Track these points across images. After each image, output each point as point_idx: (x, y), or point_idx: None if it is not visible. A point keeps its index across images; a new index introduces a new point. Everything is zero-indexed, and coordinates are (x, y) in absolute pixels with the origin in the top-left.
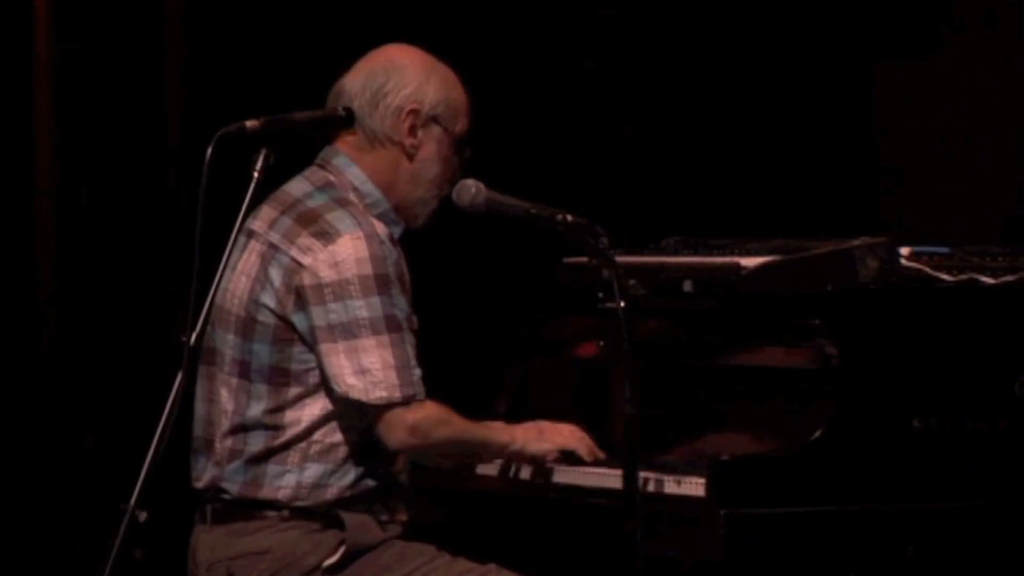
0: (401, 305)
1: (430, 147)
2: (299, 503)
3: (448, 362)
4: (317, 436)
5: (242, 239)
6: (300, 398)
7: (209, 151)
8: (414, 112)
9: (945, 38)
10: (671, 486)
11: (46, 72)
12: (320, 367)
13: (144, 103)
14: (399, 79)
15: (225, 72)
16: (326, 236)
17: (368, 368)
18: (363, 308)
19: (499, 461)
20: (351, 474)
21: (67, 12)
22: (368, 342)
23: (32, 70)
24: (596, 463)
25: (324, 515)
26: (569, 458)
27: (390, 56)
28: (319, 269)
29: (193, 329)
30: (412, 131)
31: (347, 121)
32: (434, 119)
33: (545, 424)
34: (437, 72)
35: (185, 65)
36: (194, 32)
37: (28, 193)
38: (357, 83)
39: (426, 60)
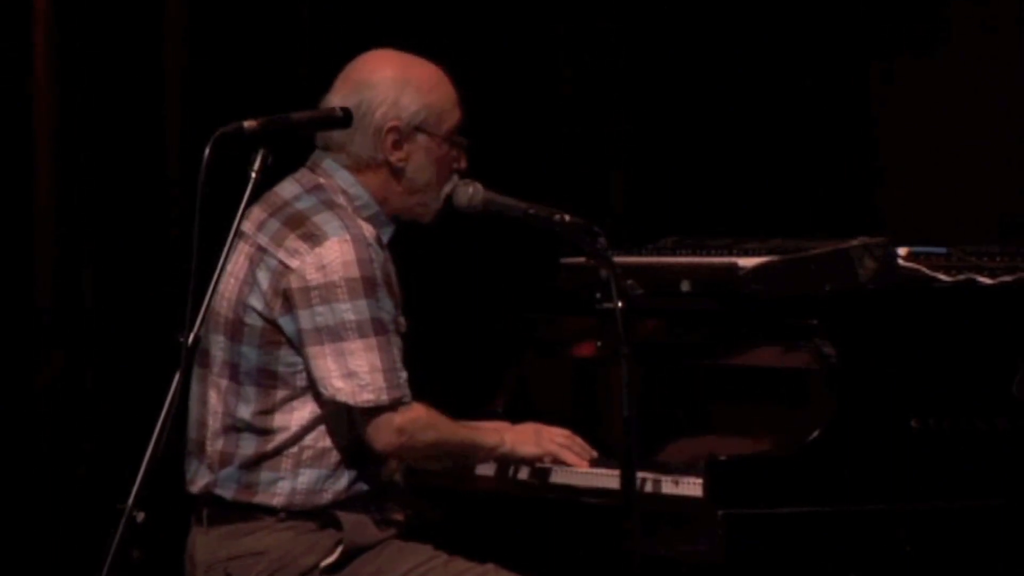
0: (388, 308)
1: (419, 156)
2: (294, 509)
3: (447, 362)
4: (308, 441)
5: (236, 240)
6: (288, 400)
7: (207, 151)
8: (394, 128)
9: (943, 37)
10: (669, 486)
11: (46, 73)
12: (307, 370)
13: (143, 103)
14: (372, 98)
15: (224, 72)
16: (313, 239)
17: (355, 371)
18: (350, 311)
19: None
20: (345, 478)
21: (67, 14)
22: (355, 345)
23: (32, 72)
24: (591, 463)
25: (321, 515)
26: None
27: (361, 73)
28: (306, 272)
29: (191, 330)
30: (396, 146)
31: (345, 121)
32: (417, 128)
33: (541, 427)
34: (412, 79)
35: (184, 65)
36: (193, 32)
37: (28, 193)
38: (334, 105)
39: (399, 68)
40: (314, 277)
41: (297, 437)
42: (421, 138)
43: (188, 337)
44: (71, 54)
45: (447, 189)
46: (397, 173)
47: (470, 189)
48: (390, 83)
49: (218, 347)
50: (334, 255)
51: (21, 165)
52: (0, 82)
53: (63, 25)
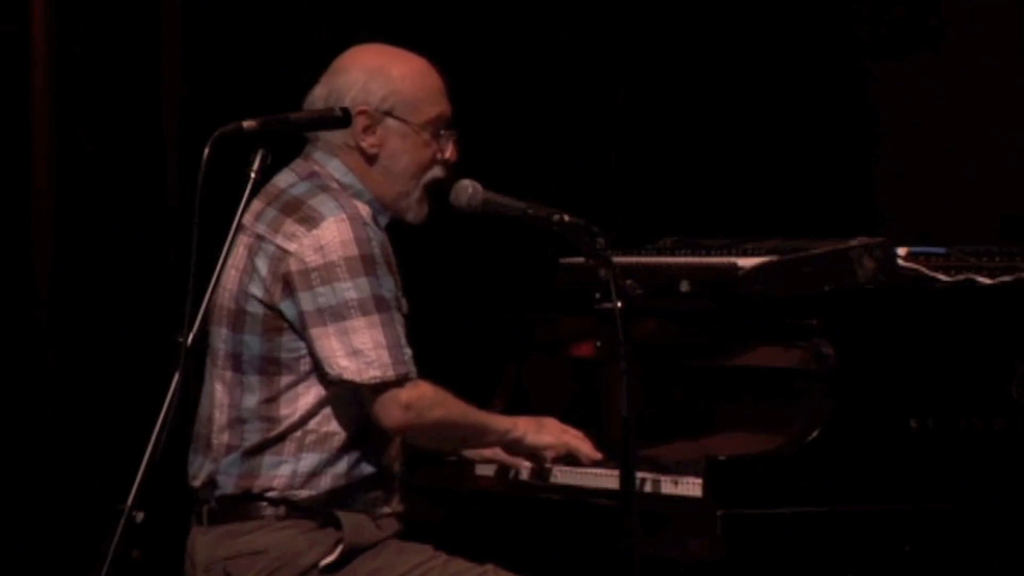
0: (388, 286)
1: (393, 142)
2: (293, 492)
3: (446, 362)
4: (312, 425)
5: (236, 235)
6: (292, 386)
7: (206, 151)
8: (363, 113)
9: (942, 37)
10: (668, 486)
11: (44, 73)
12: (312, 352)
13: (142, 103)
14: (342, 84)
15: (224, 72)
16: (310, 221)
17: (360, 349)
18: (351, 290)
19: (496, 461)
20: (344, 462)
21: (65, 13)
22: (358, 323)
23: (30, 71)
24: (594, 464)
25: (321, 514)
26: (567, 459)
27: (340, 63)
28: (305, 254)
29: (190, 329)
30: (368, 131)
31: (344, 121)
32: (387, 114)
33: (547, 419)
34: (384, 68)
35: (183, 64)
36: (191, 31)
37: (26, 193)
38: (315, 97)
39: (376, 57)
40: (313, 259)
41: (302, 422)
42: (393, 124)
43: (188, 336)
44: (70, 55)
45: (427, 178)
46: (371, 160)
47: (469, 189)
48: (360, 70)
49: (221, 339)
50: (331, 235)
51: (19, 165)
52: None
53: (62, 26)
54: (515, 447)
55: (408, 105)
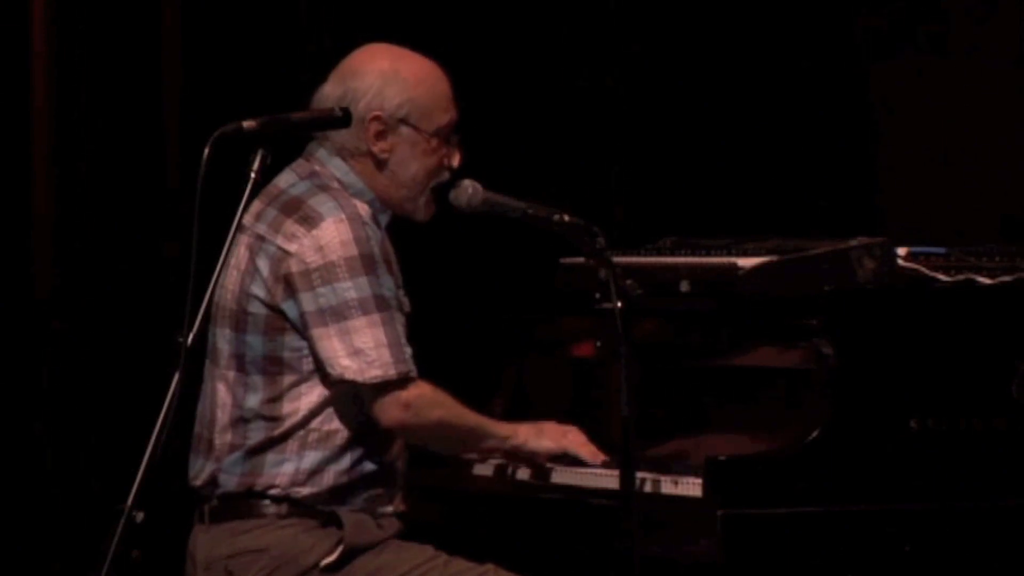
0: (388, 285)
1: (403, 149)
2: (296, 489)
3: (445, 362)
4: (315, 424)
5: (236, 235)
6: (295, 386)
7: (206, 152)
8: (376, 119)
9: (942, 36)
10: (668, 486)
11: (44, 73)
12: (313, 352)
13: (143, 103)
14: (358, 87)
15: (224, 72)
16: (310, 221)
17: (361, 348)
18: (351, 289)
19: (495, 461)
20: (347, 459)
21: (65, 13)
22: (359, 322)
23: (30, 71)
24: (601, 464)
25: (322, 513)
26: (568, 459)
27: (352, 64)
28: (305, 255)
29: (190, 329)
30: (380, 136)
31: (344, 121)
32: (401, 121)
33: (546, 424)
34: (400, 73)
35: (183, 64)
36: (191, 31)
37: (26, 193)
38: (325, 95)
39: (389, 60)
40: (313, 259)
41: (305, 421)
42: (405, 131)
43: (188, 336)
44: (70, 55)
45: (434, 183)
46: (380, 164)
47: (470, 189)
48: (377, 74)
49: (224, 340)
50: (331, 235)
51: (19, 165)
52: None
53: (62, 26)
54: (515, 452)
55: (422, 113)
